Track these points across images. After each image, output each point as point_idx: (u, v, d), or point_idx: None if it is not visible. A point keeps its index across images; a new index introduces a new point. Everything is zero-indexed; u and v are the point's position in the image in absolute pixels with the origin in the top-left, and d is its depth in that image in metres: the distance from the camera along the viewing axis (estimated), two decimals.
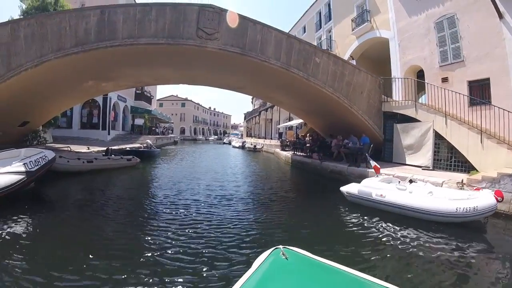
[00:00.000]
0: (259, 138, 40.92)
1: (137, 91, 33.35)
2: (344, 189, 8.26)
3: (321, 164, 13.52)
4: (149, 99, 36.24)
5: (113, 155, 13.59)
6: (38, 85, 11.01)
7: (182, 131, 78.07)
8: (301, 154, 17.53)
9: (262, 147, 31.67)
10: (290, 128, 29.31)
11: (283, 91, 14.79)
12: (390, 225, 6.07)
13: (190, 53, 10.85)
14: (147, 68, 12.90)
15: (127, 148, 17.39)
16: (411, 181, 7.80)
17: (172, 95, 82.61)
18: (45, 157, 8.29)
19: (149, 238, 5.01)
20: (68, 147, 13.86)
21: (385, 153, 13.14)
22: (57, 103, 14.33)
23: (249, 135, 55.10)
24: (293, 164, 17.12)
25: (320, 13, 24.20)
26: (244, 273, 1.90)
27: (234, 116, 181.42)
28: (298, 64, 11.64)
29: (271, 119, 38.82)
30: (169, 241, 4.87)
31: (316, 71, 12.09)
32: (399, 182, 7.82)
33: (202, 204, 7.53)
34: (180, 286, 3.46)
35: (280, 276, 2.00)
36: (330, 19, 22.33)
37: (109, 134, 25.88)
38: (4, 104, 10.57)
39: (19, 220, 5.50)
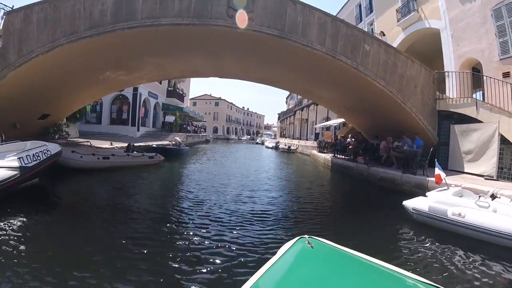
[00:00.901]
0: (293, 138, 39.00)
1: (169, 88, 32.85)
2: (409, 204, 6.35)
3: (369, 169, 11.54)
4: (181, 97, 35.65)
5: (134, 152, 12.56)
6: (53, 75, 10.13)
7: (215, 130, 78.18)
8: (342, 157, 15.58)
9: (297, 148, 29.75)
10: (327, 128, 27.22)
11: (325, 84, 12.91)
12: (478, 257, 4.37)
13: (219, 36, 9.32)
14: (171, 56, 11.52)
15: (153, 145, 16.41)
16: (493, 196, 5.94)
17: (205, 94, 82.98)
18: (47, 151, 7.32)
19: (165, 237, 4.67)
20: (88, 141, 13.05)
21: (439, 158, 11.00)
22: (78, 95, 13.52)
23: (282, 135, 53.48)
24: (333, 168, 15.09)
25: (360, 6, 22.13)
26: (269, 260, 1.88)
27: (267, 117, 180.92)
28: (345, 51, 9.84)
29: (307, 119, 36.76)
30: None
31: (366, 60, 10.29)
32: (479, 197, 6.02)
33: (228, 223, 5.75)
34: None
35: (305, 263, 1.98)
36: (371, 11, 20.22)
37: (138, 130, 25.38)
38: (18, 95, 9.74)
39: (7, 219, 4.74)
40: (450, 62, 12.49)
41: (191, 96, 70.71)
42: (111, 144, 14.52)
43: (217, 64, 12.82)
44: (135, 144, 14.24)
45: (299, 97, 43.45)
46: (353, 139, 15.00)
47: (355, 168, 12.59)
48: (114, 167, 10.56)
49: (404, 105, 10.86)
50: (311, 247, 2.04)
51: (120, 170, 10.57)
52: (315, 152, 21.46)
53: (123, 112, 25.98)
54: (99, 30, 8.52)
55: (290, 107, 51.21)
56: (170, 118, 31.56)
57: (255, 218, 6.10)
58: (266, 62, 11.65)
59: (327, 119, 27.62)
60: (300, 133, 39.33)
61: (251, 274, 1.70)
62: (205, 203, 7.10)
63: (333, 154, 16.29)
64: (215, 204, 7.06)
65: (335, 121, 23.64)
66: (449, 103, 11.24)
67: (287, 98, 63.21)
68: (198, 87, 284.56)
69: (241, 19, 8.73)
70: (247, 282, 1.57)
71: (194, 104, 78.83)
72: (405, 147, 10.95)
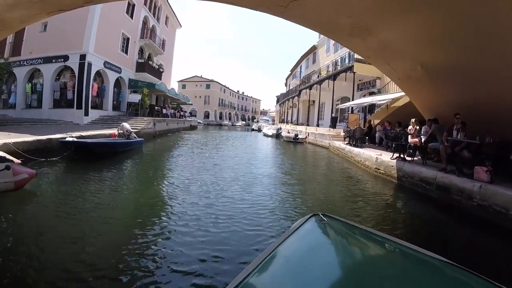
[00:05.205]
0: (297, 124, 31.84)
1: (139, 60, 25.11)
2: None
3: None
4: (157, 73, 27.51)
5: None
6: None
7: (206, 115, 71.04)
8: (408, 159, 8.60)
9: (307, 137, 22.65)
10: (351, 111, 20.10)
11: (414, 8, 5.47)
12: None
13: None
14: None
15: (66, 139, 9.18)
16: None
17: (196, 76, 75.03)
18: None
19: None
20: None
21: None
22: None
23: (281, 120, 46.30)
24: (405, 184, 7.89)
25: None
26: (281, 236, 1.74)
27: (263, 102, 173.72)
28: None
29: (315, 101, 29.54)
30: None
31: None
32: None
33: None
34: None
35: (318, 239, 1.85)
36: None
37: (87, 115, 17.98)
38: None
39: None
40: None
41: (179, 78, 62.46)
42: None
43: None
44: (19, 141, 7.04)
45: (304, 74, 36.07)
46: (454, 126, 7.77)
47: (474, 194, 5.54)
48: None
49: None
50: (325, 223, 1.90)
51: None
52: (340, 144, 14.42)
53: (67, 91, 18.49)
54: None
55: (290, 88, 43.80)
56: (134, 97, 23.09)
57: None
58: None
59: (346, 99, 20.58)
60: (307, 118, 32.05)
61: None
62: None
63: (398, 155, 9.03)
64: None
65: (360, 101, 16.47)
66: None
67: (286, 79, 55.84)
68: (185, 67, 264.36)
69: None
70: (257, 258, 1.48)
71: (183, 86, 71.48)
72: None
